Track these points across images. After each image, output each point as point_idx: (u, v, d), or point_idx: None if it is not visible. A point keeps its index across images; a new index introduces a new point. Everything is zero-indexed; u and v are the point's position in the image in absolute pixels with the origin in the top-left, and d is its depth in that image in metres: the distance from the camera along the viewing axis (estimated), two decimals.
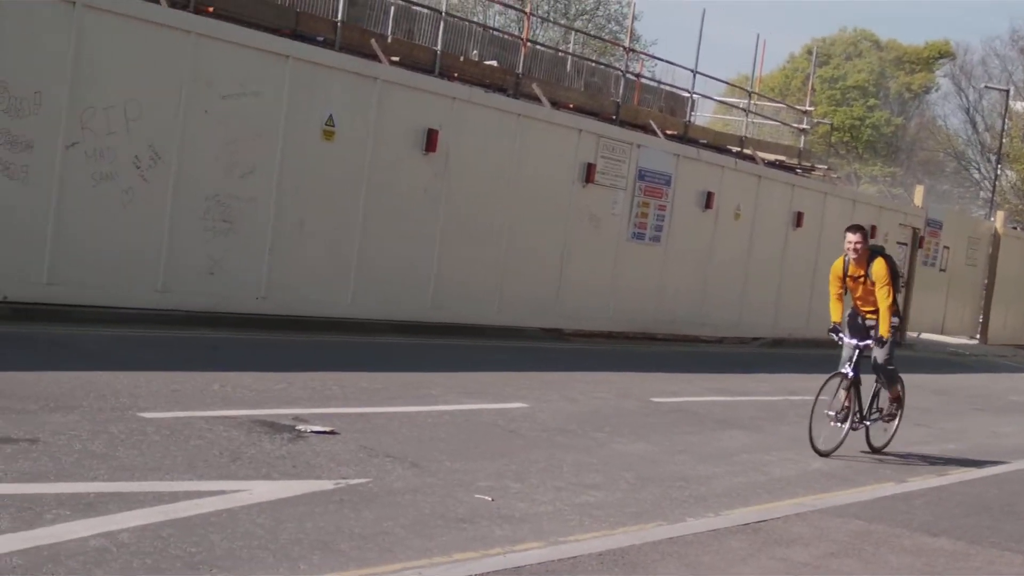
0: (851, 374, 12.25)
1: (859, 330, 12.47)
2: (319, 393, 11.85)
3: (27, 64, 13.88)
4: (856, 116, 66.88)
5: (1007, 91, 53.14)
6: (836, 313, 12.48)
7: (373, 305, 18.08)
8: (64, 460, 7.88)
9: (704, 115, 39.52)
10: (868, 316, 12.48)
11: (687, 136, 26.59)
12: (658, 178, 23.04)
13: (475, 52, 23.50)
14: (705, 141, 27.37)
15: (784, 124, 37.61)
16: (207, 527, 6.90)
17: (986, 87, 62.18)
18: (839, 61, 69.82)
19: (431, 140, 18.43)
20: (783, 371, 20.89)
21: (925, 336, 33.78)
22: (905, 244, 31.97)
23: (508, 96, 21.64)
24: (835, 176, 36.50)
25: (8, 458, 7.72)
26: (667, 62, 44.80)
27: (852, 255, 12.28)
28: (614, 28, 53.32)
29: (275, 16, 18.54)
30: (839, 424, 12.32)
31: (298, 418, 10.32)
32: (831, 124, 58.92)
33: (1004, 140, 54.77)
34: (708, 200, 24.30)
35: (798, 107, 36.50)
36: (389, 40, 20.40)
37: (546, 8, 51.77)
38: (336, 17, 19.32)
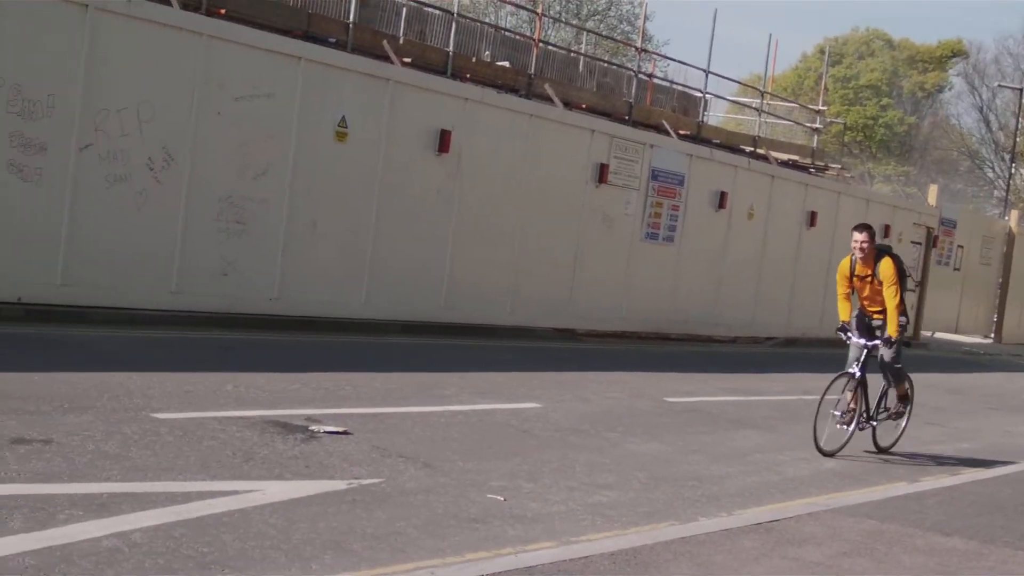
0: (858, 374, 12.20)
1: (867, 330, 12.42)
2: (332, 393, 11.87)
3: (40, 67, 13.93)
4: (869, 115, 66.76)
5: (1020, 89, 52.94)
6: (844, 312, 12.41)
7: (386, 306, 18.10)
8: (77, 460, 7.91)
9: (717, 115, 39.51)
10: (875, 316, 12.41)
11: (700, 136, 26.56)
12: (671, 178, 23.03)
13: (487, 53, 23.50)
14: (718, 141, 27.34)
15: (797, 124, 37.56)
16: (219, 527, 6.91)
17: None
18: (852, 60, 69.71)
19: (443, 141, 18.45)
20: (796, 371, 20.85)
21: (939, 335, 33.71)
22: (919, 243, 31.91)
23: (520, 97, 21.64)
24: (848, 175, 36.40)
25: (22, 458, 7.75)
26: (679, 62, 44.85)
27: (858, 254, 12.19)
28: (626, 28, 53.27)
29: (287, 18, 18.56)
30: (844, 427, 12.29)
31: (311, 418, 10.33)
32: (844, 123, 58.85)
33: (1018, 138, 54.60)
34: (721, 200, 24.30)
35: (811, 106, 36.44)
36: (401, 41, 20.42)
37: (558, 9, 51.74)
38: (348, 18, 19.34)
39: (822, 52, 56.25)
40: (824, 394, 12.11)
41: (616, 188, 21.80)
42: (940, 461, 12.99)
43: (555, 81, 23.71)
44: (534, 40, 24.39)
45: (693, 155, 23.82)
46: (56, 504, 6.88)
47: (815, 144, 32.57)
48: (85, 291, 14.62)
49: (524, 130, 20.02)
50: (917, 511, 9.65)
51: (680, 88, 30.18)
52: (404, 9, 21.69)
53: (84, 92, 14.30)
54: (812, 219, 27.08)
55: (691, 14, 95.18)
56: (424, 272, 18.60)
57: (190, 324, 15.45)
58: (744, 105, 38.49)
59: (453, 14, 21.89)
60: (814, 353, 24.49)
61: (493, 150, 19.48)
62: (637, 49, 29.35)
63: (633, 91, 25.51)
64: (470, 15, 31.64)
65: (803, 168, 29.84)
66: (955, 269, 34.44)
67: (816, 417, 12.09)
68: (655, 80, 30.45)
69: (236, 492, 7.68)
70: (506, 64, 23.15)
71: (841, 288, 12.45)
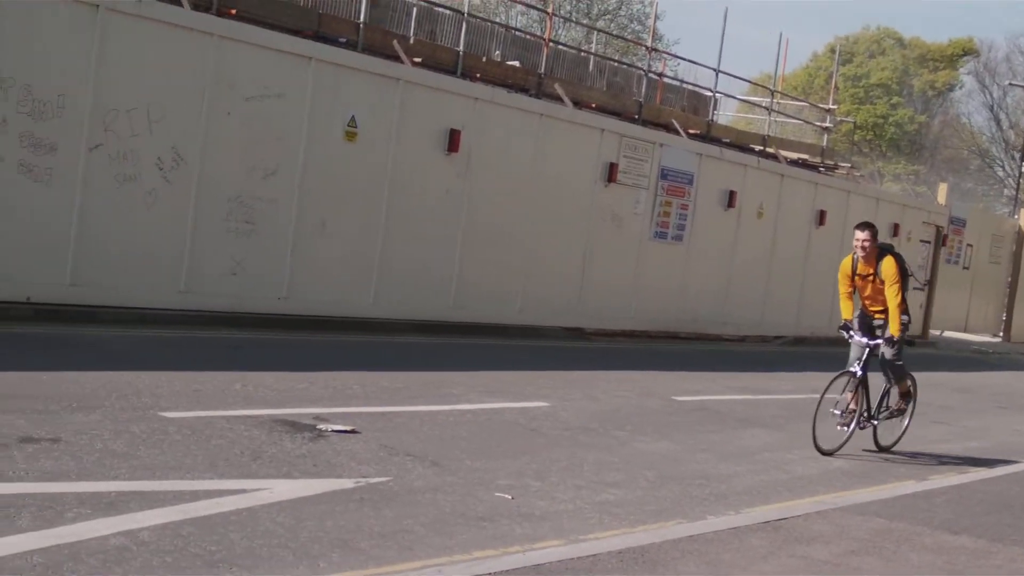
0: (859, 373, 12.16)
1: (869, 329, 12.39)
2: (340, 392, 11.89)
3: (50, 67, 13.96)
4: (879, 114, 66.62)
5: None
6: (847, 311, 12.38)
7: (395, 305, 18.12)
8: (85, 459, 7.94)
9: (727, 114, 39.39)
10: (877, 316, 12.37)
11: (710, 135, 26.56)
12: (681, 177, 23.02)
13: (497, 52, 23.51)
14: (728, 140, 27.34)
15: (807, 123, 37.47)
16: (227, 526, 6.94)
17: (1010, 84, 61.89)
18: (862, 59, 69.57)
19: (453, 141, 18.46)
20: (805, 369, 20.80)
21: (948, 334, 33.65)
22: (928, 242, 31.87)
23: (530, 96, 21.65)
24: (858, 174, 36.36)
25: (30, 457, 7.78)
26: (689, 61, 44.69)
27: (860, 253, 12.14)
28: (636, 28, 53.26)
29: (297, 18, 18.60)
30: (844, 427, 12.26)
31: (319, 417, 10.35)
32: (854, 122, 58.76)
33: None
34: (731, 199, 24.28)
35: (821, 105, 36.37)
36: (411, 41, 20.43)
37: (568, 8, 51.77)
38: (358, 18, 19.36)
39: (832, 51, 56.24)
40: (824, 393, 12.08)
41: (625, 187, 21.80)
42: (948, 460, 12.97)
43: (565, 80, 23.72)
44: (544, 40, 24.41)
45: (703, 154, 23.80)
46: (64, 502, 6.91)
47: (825, 143, 32.51)
48: (94, 291, 14.65)
49: (534, 129, 20.02)
50: (925, 509, 9.65)
51: (690, 87, 30.17)
52: (414, 9, 21.71)
53: (94, 92, 14.33)
54: (821, 218, 27.06)
55: (701, 14, 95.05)
56: (433, 271, 18.61)
57: (199, 323, 15.48)
58: (754, 104, 38.49)
59: (463, 14, 21.90)
60: (822, 352, 24.41)
61: (503, 150, 19.49)
62: (647, 48, 29.31)
63: (643, 90, 25.51)
64: (480, 15, 31.66)
65: (813, 167, 29.81)
66: (964, 268, 34.37)
67: (815, 416, 12.07)
68: (665, 79, 30.44)
69: (244, 491, 7.70)
70: (516, 64, 23.16)
71: (843, 287, 12.41)
